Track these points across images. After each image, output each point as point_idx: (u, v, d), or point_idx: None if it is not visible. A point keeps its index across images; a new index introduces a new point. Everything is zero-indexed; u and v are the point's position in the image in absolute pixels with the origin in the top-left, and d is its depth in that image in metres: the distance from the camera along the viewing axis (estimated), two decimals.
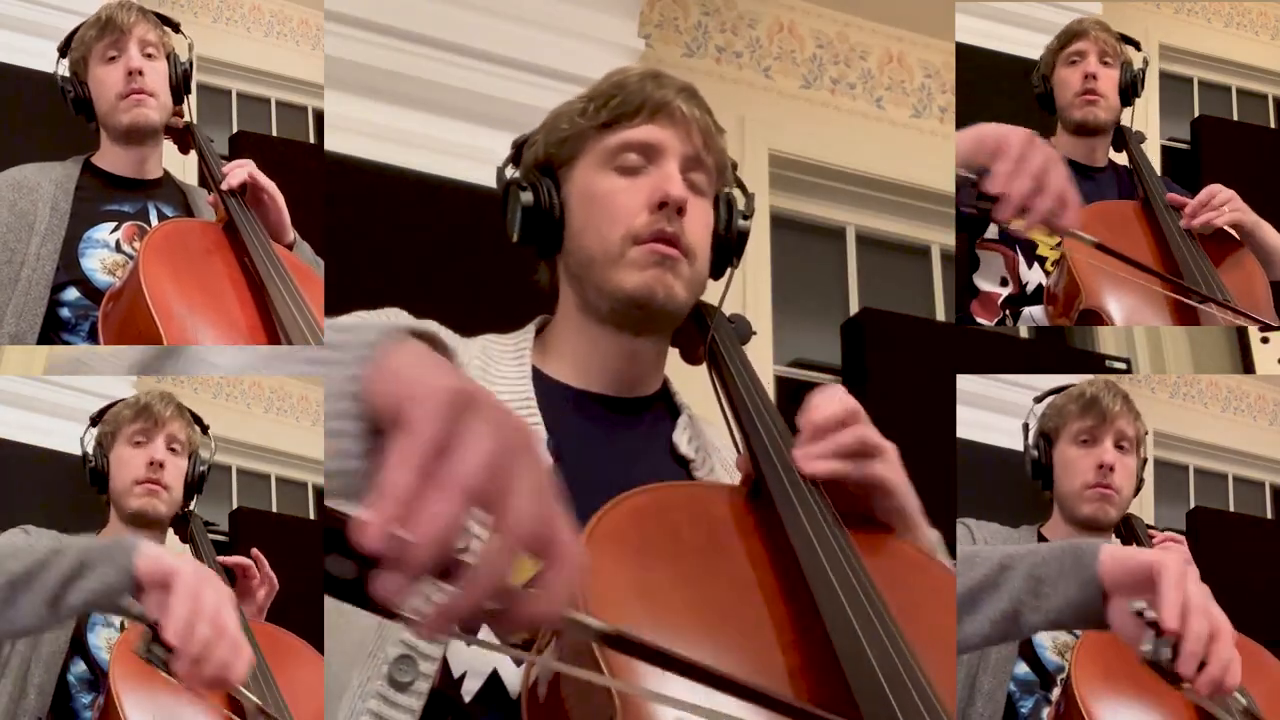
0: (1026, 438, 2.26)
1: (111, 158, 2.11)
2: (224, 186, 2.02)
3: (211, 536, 2.24)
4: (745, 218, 1.59)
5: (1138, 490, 2.26)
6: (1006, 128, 1.60)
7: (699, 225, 1.52)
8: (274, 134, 2.97)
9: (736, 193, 1.61)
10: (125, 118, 2.08)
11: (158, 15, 2.13)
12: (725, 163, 1.58)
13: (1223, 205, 2.05)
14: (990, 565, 1.41)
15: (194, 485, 2.18)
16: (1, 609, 1.49)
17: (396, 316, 1.53)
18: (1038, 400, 2.27)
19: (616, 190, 1.51)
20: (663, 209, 1.48)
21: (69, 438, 2.24)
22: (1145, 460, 2.27)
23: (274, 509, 2.92)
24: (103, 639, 2.04)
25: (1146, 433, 2.26)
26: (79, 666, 2.03)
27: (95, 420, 2.18)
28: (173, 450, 2.16)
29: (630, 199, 1.50)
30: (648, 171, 1.51)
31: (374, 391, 0.88)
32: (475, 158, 2.79)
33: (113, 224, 2.07)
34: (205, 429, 2.22)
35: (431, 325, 1.54)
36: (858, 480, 1.34)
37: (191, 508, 2.18)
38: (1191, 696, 1.28)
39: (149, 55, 2.09)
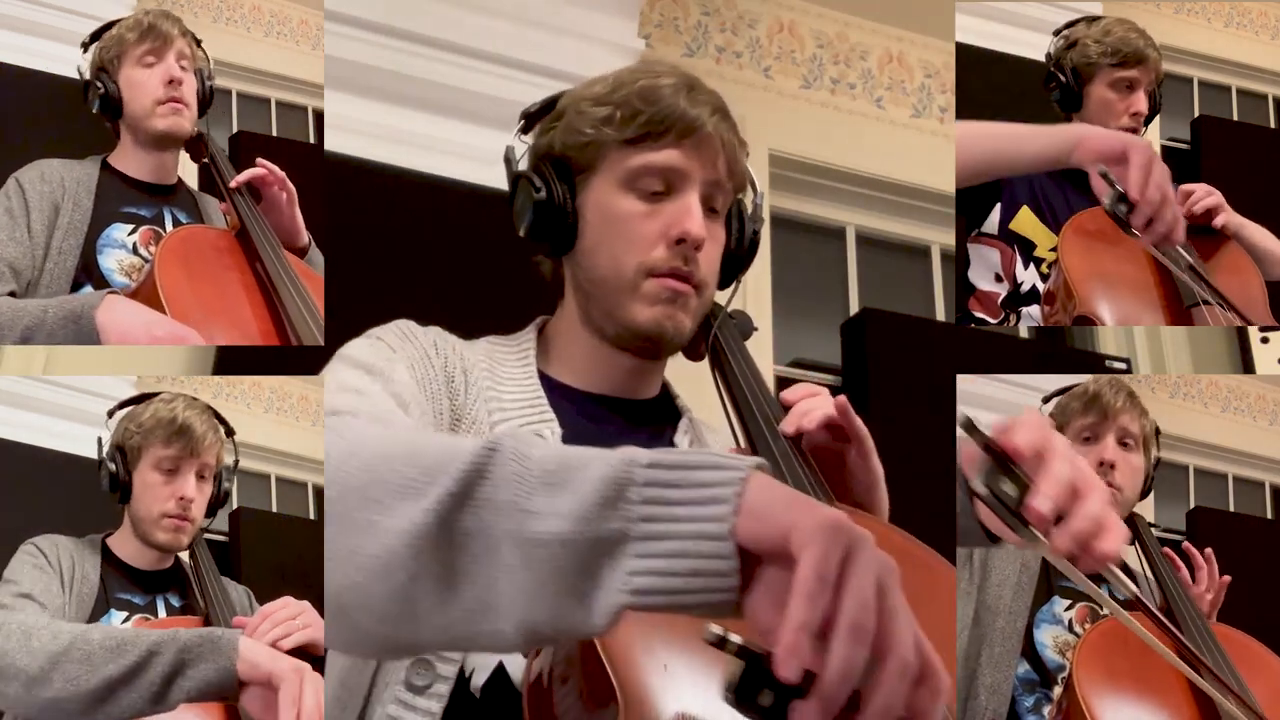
0: None
1: (131, 161, 2.13)
2: (231, 184, 2.04)
3: (211, 537, 2.23)
4: (755, 231, 1.58)
5: (1149, 489, 2.23)
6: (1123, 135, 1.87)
7: (713, 253, 1.51)
8: (274, 134, 2.98)
9: (747, 198, 1.58)
10: (162, 124, 2.10)
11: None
12: (745, 182, 1.56)
13: (1199, 201, 2.05)
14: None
15: (206, 101, 2.14)
16: (100, 706, 1.53)
17: (406, 327, 1.53)
18: (1045, 401, 2.25)
19: (635, 215, 1.48)
20: (680, 245, 1.46)
21: (70, 438, 2.24)
22: (1158, 459, 2.23)
23: (274, 509, 2.92)
24: None
25: (1158, 432, 2.24)
26: None
27: (89, 43, 2.11)
28: (201, 477, 2.10)
29: (648, 227, 1.47)
30: (669, 198, 1.48)
31: (747, 530, 0.92)
32: (475, 158, 2.79)
33: (131, 226, 2.09)
34: (231, 433, 2.15)
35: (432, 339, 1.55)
36: (846, 429, 1.40)
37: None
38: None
39: (184, 68, 2.12)
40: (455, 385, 1.46)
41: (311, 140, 2.87)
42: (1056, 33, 2.15)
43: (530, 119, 1.57)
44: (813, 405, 1.42)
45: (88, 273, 2.02)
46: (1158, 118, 2.28)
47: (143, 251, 2.06)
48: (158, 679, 1.55)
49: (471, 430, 1.45)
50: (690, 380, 1.63)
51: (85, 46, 2.11)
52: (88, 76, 2.10)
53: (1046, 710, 2.09)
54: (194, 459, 2.07)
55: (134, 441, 2.08)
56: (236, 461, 2.13)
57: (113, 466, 2.07)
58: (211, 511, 2.11)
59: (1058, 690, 2.07)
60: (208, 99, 2.15)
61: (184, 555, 2.14)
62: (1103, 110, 2.12)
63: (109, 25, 2.12)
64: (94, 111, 2.11)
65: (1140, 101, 2.11)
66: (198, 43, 2.17)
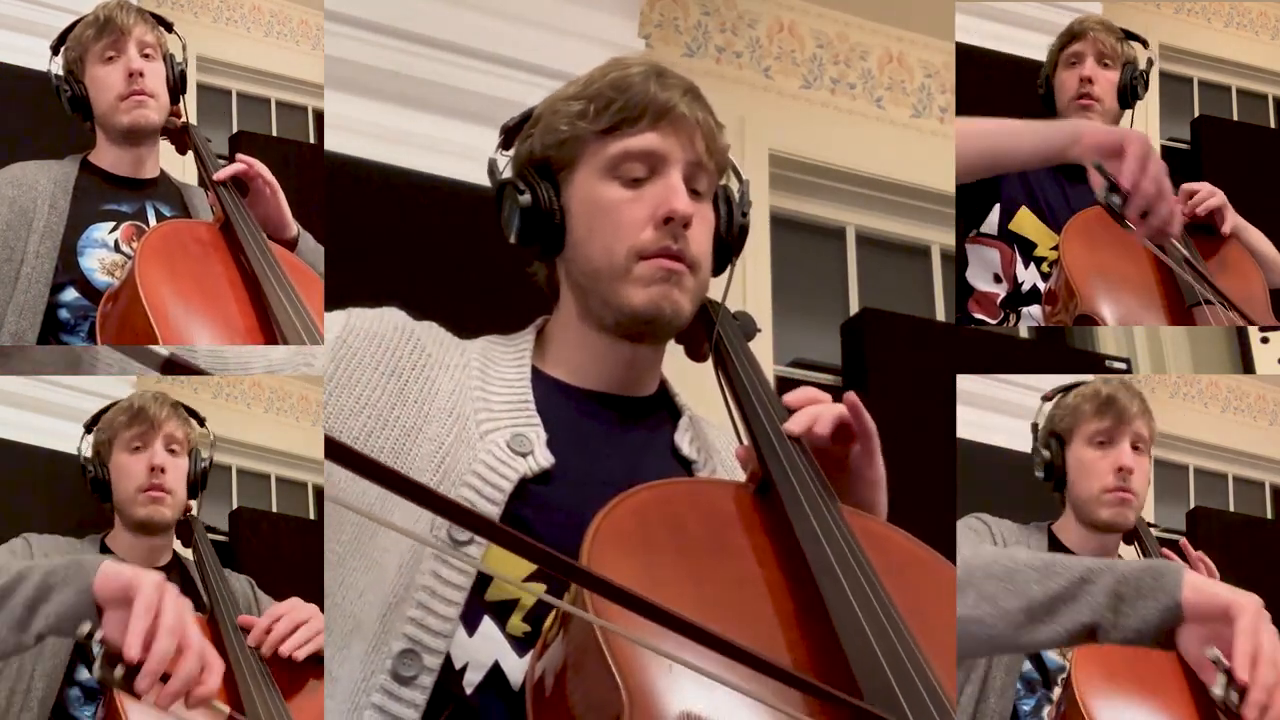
0: (1035, 438, 2.21)
1: (109, 157, 2.12)
2: (215, 176, 2.04)
3: (211, 537, 2.23)
4: (744, 214, 1.58)
5: None
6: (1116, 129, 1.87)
7: (702, 233, 1.51)
8: (274, 134, 2.98)
9: (733, 185, 1.58)
10: (126, 119, 2.08)
11: (153, 16, 2.14)
12: (726, 162, 1.56)
13: (1203, 201, 2.06)
14: (1071, 577, 1.49)
15: (196, 484, 2.14)
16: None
17: (393, 315, 1.54)
18: (1046, 399, 2.22)
19: (620, 202, 1.48)
20: (668, 224, 1.47)
21: (69, 438, 2.24)
22: (1152, 460, 2.23)
23: (274, 509, 2.92)
24: None
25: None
26: (83, 674, 2.03)
27: (89, 426, 2.15)
28: (172, 451, 2.13)
29: (634, 212, 1.48)
30: (651, 181, 1.49)
31: None
32: (475, 158, 2.76)
33: (111, 223, 2.08)
34: (202, 422, 2.19)
35: (433, 326, 1.55)
36: (857, 427, 1.40)
37: (194, 511, 2.14)
38: None
39: (147, 56, 2.09)
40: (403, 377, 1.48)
41: (311, 140, 2.88)
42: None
43: (509, 133, 1.59)
44: (820, 411, 1.42)
45: (69, 274, 2.01)
46: (1156, 117, 2.29)
47: (125, 248, 2.05)
48: (20, 605, 1.44)
49: (449, 420, 1.46)
50: (693, 381, 1.63)
51: (54, 49, 2.10)
52: (58, 79, 2.10)
53: (1046, 710, 2.09)
54: (157, 431, 2.11)
55: (103, 437, 2.13)
56: (213, 444, 2.18)
57: (91, 469, 2.13)
58: (193, 492, 2.14)
59: (1057, 691, 2.07)
60: (179, 83, 2.12)
61: (185, 551, 2.15)
62: (1061, 92, 2.18)
63: (74, 25, 2.11)
64: (69, 113, 2.10)
65: (1086, 69, 2.15)
66: (168, 27, 2.14)
